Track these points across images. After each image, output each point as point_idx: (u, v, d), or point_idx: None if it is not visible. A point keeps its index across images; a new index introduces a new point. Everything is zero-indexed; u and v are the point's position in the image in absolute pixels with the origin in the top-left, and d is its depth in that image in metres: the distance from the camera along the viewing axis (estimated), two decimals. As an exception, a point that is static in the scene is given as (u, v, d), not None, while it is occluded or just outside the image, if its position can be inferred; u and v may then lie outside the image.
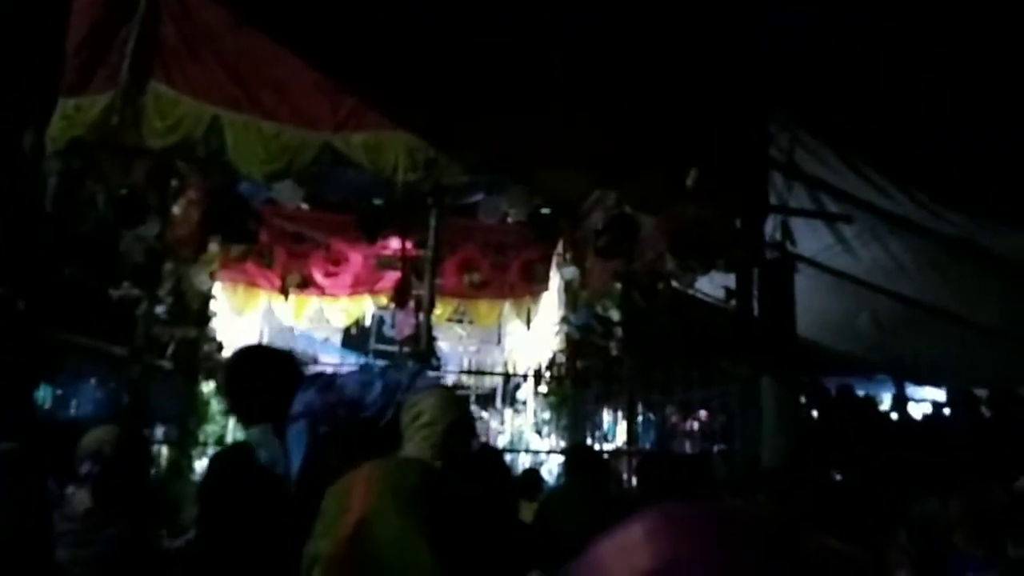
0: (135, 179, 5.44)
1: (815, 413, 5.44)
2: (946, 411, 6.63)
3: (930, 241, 5.50)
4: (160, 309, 6.26)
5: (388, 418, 2.08)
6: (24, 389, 5.43)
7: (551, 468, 6.63)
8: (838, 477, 4.31)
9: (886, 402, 7.01)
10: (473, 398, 8.33)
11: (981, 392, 6.29)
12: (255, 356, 2.59)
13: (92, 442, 2.45)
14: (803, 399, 5.22)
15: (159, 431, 6.49)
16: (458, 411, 1.96)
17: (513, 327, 7.83)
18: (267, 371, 2.38)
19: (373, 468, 1.52)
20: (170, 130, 4.84)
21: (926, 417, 6.75)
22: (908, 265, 5.83)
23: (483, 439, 6.68)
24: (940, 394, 7.24)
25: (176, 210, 5.86)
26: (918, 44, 4.66)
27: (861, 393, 6.36)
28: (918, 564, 2.61)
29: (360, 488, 1.43)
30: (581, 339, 6.54)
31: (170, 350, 6.58)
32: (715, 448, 5.60)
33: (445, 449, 1.82)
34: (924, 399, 7.35)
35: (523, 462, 6.60)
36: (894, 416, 6.33)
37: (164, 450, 6.33)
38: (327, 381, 2.42)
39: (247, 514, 2.02)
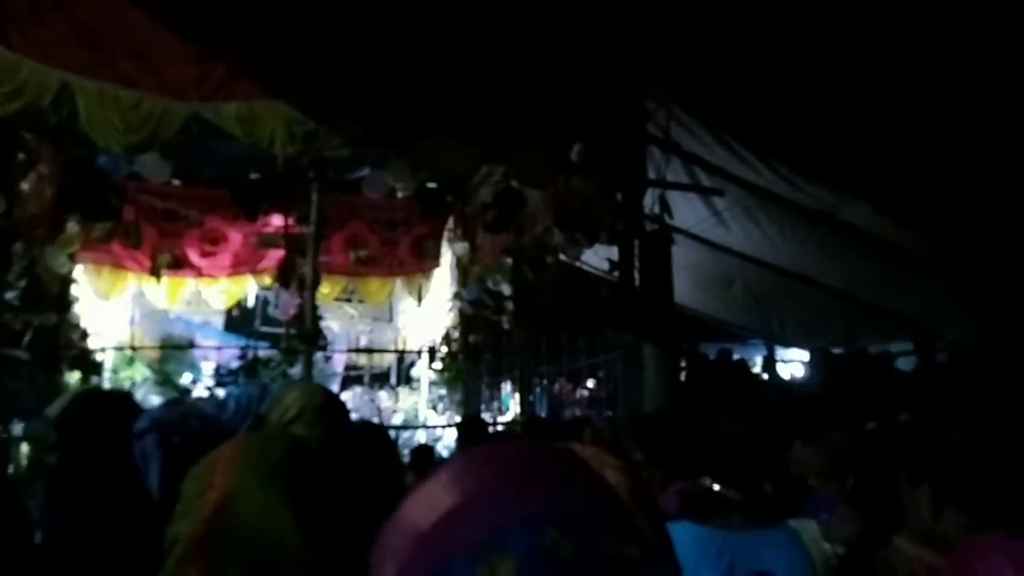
0: (-26, 151, 4.92)
1: (693, 377, 5.74)
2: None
3: (793, 212, 5.89)
4: (11, 295, 5.74)
5: (248, 427, 2.04)
6: None
7: (448, 444, 6.66)
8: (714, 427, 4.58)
9: (758, 364, 7.52)
10: (367, 378, 8.21)
11: (838, 351, 6.86)
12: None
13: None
14: (683, 364, 5.49)
15: (17, 427, 5.97)
16: (323, 395, 1.95)
17: (405, 305, 7.75)
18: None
19: (236, 444, 1.46)
20: (11, 96, 4.39)
21: (793, 377, 7.30)
22: (774, 235, 6.23)
23: (376, 419, 6.61)
24: (805, 355, 7.85)
25: (25, 186, 5.33)
26: (781, 21, 4.92)
27: (736, 356, 6.78)
28: (778, 505, 2.83)
29: (222, 465, 1.37)
30: (473, 314, 6.57)
31: (26, 339, 6.06)
32: (601, 412, 5.82)
33: (319, 430, 1.80)
34: (792, 360, 7.94)
35: (418, 439, 6.59)
36: (765, 376, 6.80)
37: (24, 447, 5.83)
38: (176, 401, 2.36)
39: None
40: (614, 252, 5.35)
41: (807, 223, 6.00)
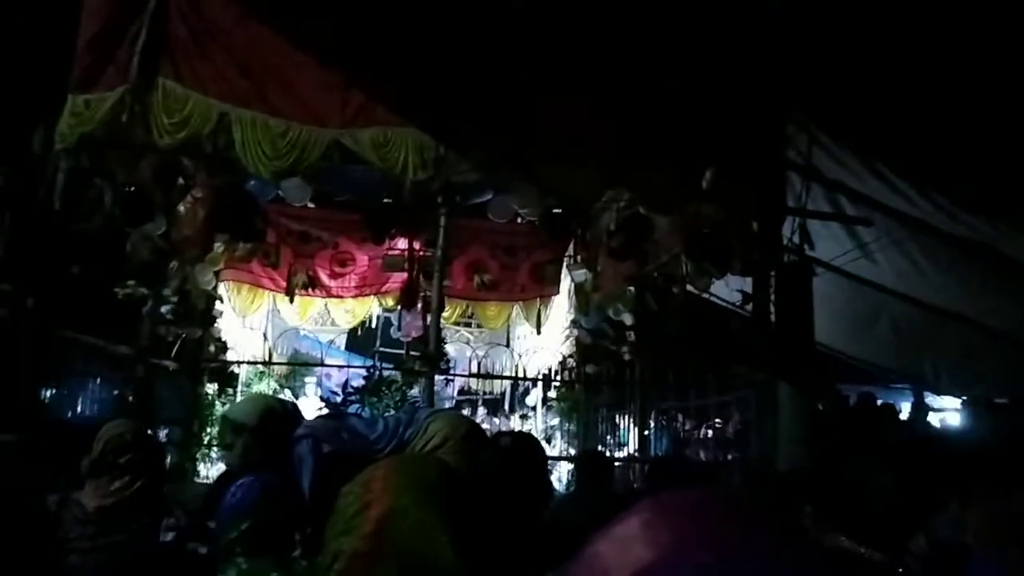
0: (142, 176, 5.39)
1: (833, 421, 5.30)
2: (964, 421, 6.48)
3: (950, 246, 5.36)
4: (165, 308, 6.20)
5: (392, 449, 2.11)
6: (32, 387, 5.38)
7: (560, 476, 6.51)
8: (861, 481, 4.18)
9: (904, 410, 6.86)
10: (480, 403, 8.22)
11: (1002, 400, 6.14)
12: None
13: (116, 435, 2.43)
14: (821, 407, 5.08)
15: (162, 433, 6.41)
16: (467, 425, 1.99)
17: (522, 330, 7.72)
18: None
19: (391, 464, 1.49)
20: (178, 127, 4.78)
21: (946, 427, 6.60)
22: (927, 270, 5.69)
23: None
24: (957, 403, 7.09)
25: (182, 208, 5.79)
26: (936, 45, 4.55)
27: (880, 401, 6.21)
28: (932, 570, 2.52)
29: (378, 484, 1.40)
30: (592, 343, 6.42)
31: (174, 350, 6.52)
32: (729, 456, 5.47)
33: (463, 459, 1.83)
34: (944, 408, 7.19)
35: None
36: (914, 425, 6.18)
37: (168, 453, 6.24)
38: (332, 414, 2.49)
39: None
40: (747, 283, 5.06)
41: (965, 257, 5.45)
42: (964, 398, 6.51)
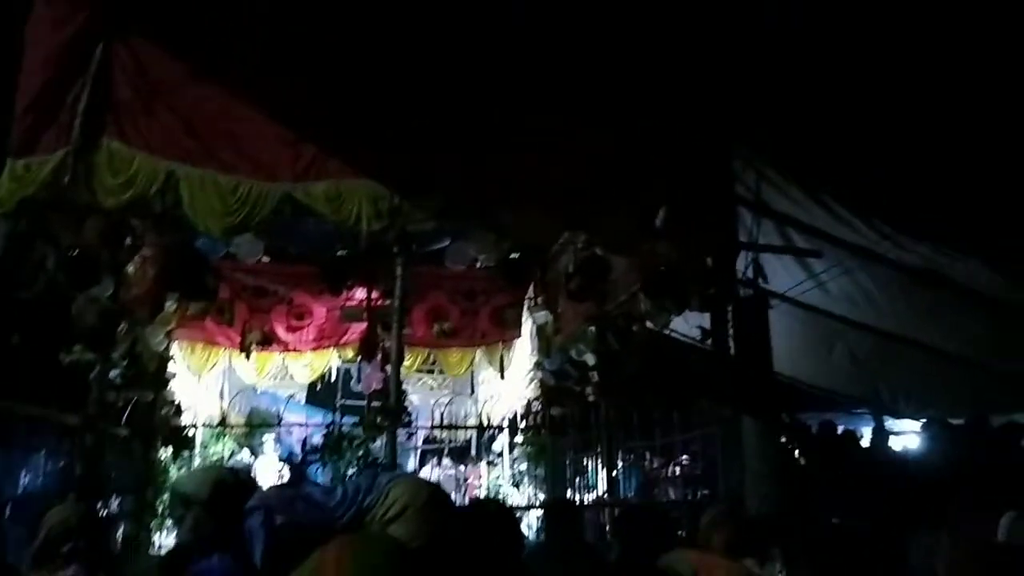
0: (87, 238, 5.22)
1: (797, 452, 5.33)
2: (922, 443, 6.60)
3: (898, 272, 5.52)
4: (114, 373, 5.97)
5: (350, 517, 2.05)
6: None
7: (529, 522, 6.39)
8: (833, 520, 4.19)
9: (866, 436, 6.95)
10: (446, 451, 8.07)
11: (956, 421, 6.27)
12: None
13: (59, 522, 2.32)
14: (784, 438, 5.11)
15: (114, 503, 6.11)
16: (428, 492, 1.93)
17: (486, 375, 7.65)
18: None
19: (342, 547, 1.45)
20: (124, 187, 4.67)
21: (906, 451, 6.70)
22: (878, 297, 5.85)
23: (455, 495, 6.43)
24: (916, 425, 7.22)
25: (130, 268, 5.62)
26: (875, 75, 4.74)
27: (841, 428, 6.28)
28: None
29: (330, 569, 1.37)
30: (556, 385, 6.38)
31: (125, 416, 6.27)
32: (698, 493, 5.44)
33: (424, 527, 1.76)
34: (903, 431, 7.31)
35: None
36: (876, 451, 6.26)
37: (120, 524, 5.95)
38: (287, 485, 2.42)
39: None
40: (705, 319, 5.11)
41: (913, 283, 5.61)
42: (922, 420, 6.64)
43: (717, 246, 5.09)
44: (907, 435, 7.17)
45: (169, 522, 6.19)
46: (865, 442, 6.51)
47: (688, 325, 5.41)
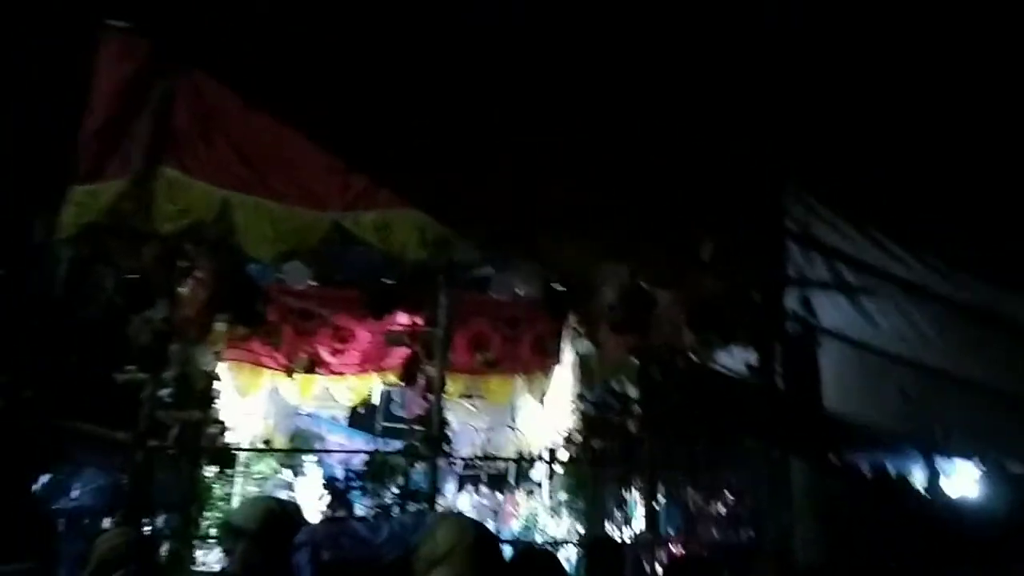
0: (144, 263, 5.41)
1: (848, 497, 5.17)
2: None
3: (951, 309, 5.34)
4: (165, 392, 6.13)
5: (396, 556, 2.06)
6: (28, 480, 5.27)
7: (567, 556, 6.31)
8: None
9: (916, 476, 6.71)
10: (485, 479, 8.05)
11: (1017, 470, 6.01)
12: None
13: (109, 549, 2.39)
14: (834, 479, 4.98)
15: (160, 519, 6.23)
16: (475, 532, 1.92)
17: (526, 402, 7.62)
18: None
19: None
20: (181, 214, 4.82)
21: (963, 499, 6.44)
22: (930, 334, 5.66)
23: (492, 523, 6.38)
24: (970, 466, 6.95)
25: (183, 291, 5.79)
26: (927, 107, 4.64)
27: (891, 469, 6.08)
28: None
29: None
30: (597, 416, 6.33)
31: (173, 434, 6.41)
32: (742, 534, 5.31)
33: (469, 573, 1.77)
34: (955, 472, 7.04)
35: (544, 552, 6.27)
36: (931, 500, 6.04)
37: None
38: (335, 519, 2.48)
39: None
40: (752, 354, 5.03)
41: (967, 320, 5.42)
42: (980, 466, 6.39)
43: (765, 280, 5.02)
44: (960, 476, 6.90)
45: (212, 540, 6.29)
46: (918, 483, 6.28)
47: (734, 360, 5.32)
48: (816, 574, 3.07)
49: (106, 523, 5.94)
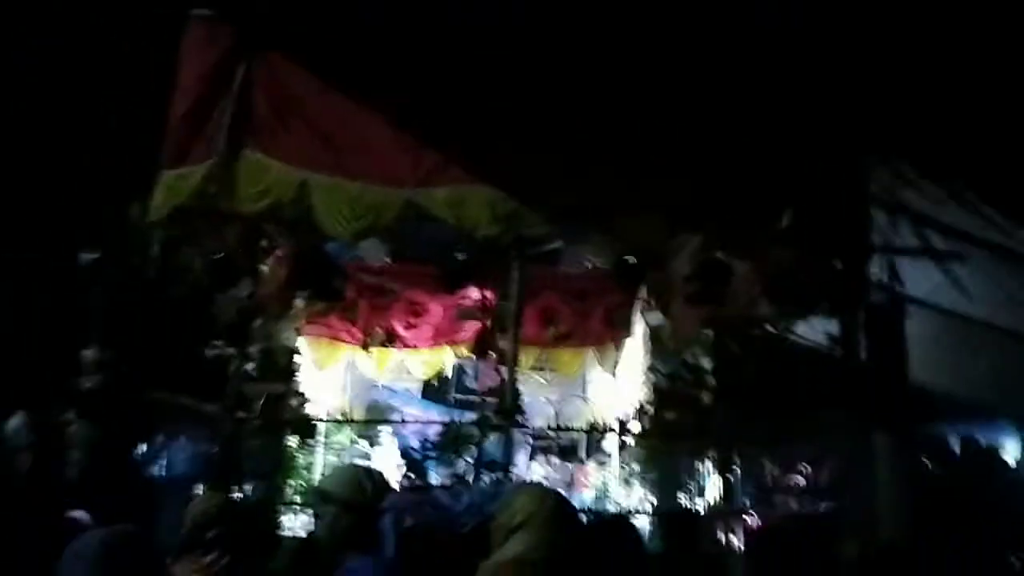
0: (228, 243, 5.64)
1: (936, 472, 5.00)
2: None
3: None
4: (250, 366, 6.41)
5: (476, 523, 2.13)
6: (128, 450, 5.64)
7: (642, 527, 6.32)
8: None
9: (1009, 448, 6.41)
10: (556, 450, 8.12)
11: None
12: None
13: (201, 512, 2.46)
14: (920, 454, 4.82)
15: (248, 488, 6.55)
16: (553, 501, 1.95)
17: (597, 375, 7.63)
18: None
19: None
20: (262, 195, 4.99)
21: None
22: (1025, 301, 5.37)
23: (566, 492, 6.45)
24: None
25: (265, 269, 6.02)
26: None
27: (983, 442, 5.83)
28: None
29: None
30: (670, 388, 6.28)
31: (258, 406, 6.71)
32: (822, 507, 5.21)
33: (548, 540, 1.78)
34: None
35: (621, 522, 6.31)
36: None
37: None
38: (417, 487, 2.61)
39: None
40: (833, 324, 4.88)
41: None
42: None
43: (847, 248, 4.85)
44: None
45: (296, 507, 6.59)
46: (1010, 457, 6.01)
47: (815, 331, 5.18)
48: (899, 549, 2.99)
49: (199, 490, 6.31)
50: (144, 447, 6.40)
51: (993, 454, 5.67)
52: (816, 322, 4.96)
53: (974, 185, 4.74)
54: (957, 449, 5.57)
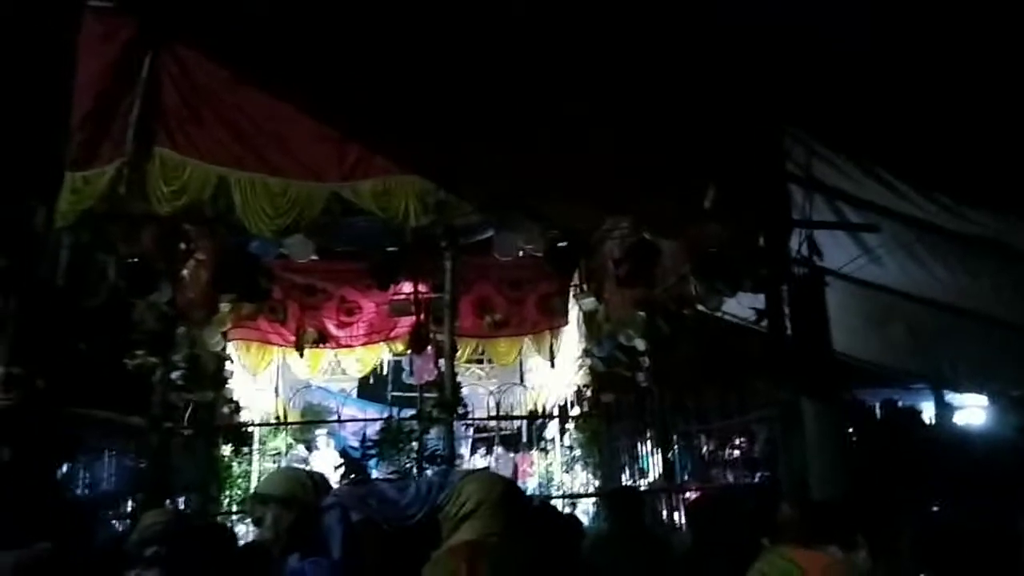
0: (144, 246, 5.38)
1: (860, 433, 5.23)
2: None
3: (957, 244, 5.34)
4: (175, 375, 6.16)
5: (424, 514, 2.11)
6: (49, 470, 5.31)
7: (586, 509, 6.41)
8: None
9: (927, 412, 6.78)
10: (497, 440, 8.13)
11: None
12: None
13: (148, 525, 2.41)
14: (847, 422, 5.02)
15: (180, 501, 6.32)
16: (501, 488, 1.96)
17: (534, 362, 7.66)
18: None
19: (476, 553, 1.55)
20: (177, 194, 4.76)
21: (971, 427, 6.51)
22: (937, 270, 5.66)
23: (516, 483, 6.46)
24: (978, 400, 7.02)
25: (186, 272, 5.78)
26: (926, 43, 4.57)
27: (901, 404, 6.14)
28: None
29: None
30: (606, 371, 6.37)
31: (187, 415, 6.46)
32: (757, 476, 5.38)
33: (498, 526, 1.81)
34: (964, 405, 7.11)
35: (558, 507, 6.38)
36: (942, 430, 6.11)
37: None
38: (360, 482, 2.59)
39: None
40: (758, 300, 5.02)
41: (973, 254, 5.42)
42: (987, 396, 6.45)
43: (769, 224, 4.99)
44: (969, 410, 6.97)
45: (235, 517, 6.38)
46: (927, 418, 6.35)
47: (741, 307, 5.33)
48: (831, 508, 3.10)
49: (128, 507, 6.04)
50: (65, 465, 6.08)
51: (912, 414, 5.97)
52: (742, 297, 5.10)
53: (883, 160, 4.95)
54: (878, 411, 5.83)
